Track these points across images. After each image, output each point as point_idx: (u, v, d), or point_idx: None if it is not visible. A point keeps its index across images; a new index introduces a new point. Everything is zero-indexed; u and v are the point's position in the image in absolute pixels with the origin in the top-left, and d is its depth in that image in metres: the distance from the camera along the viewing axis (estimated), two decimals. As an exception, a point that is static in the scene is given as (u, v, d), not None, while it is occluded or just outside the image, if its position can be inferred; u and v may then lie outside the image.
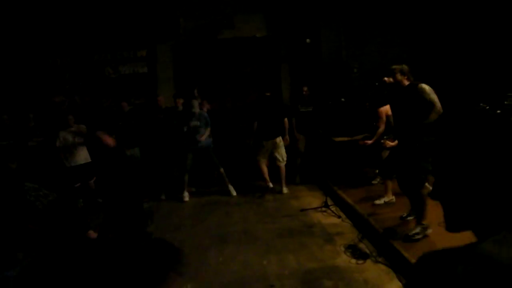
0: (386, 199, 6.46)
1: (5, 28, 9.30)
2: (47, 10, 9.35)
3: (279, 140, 8.09)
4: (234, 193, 8.23)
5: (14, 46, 9.45)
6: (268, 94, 8.17)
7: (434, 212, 4.50)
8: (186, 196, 8.18)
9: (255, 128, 8.05)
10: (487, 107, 6.03)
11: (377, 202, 6.45)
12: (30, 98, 9.37)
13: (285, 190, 8.15)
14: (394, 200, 6.44)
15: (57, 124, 8.11)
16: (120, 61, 10.04)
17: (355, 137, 8.21)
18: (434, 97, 4.75)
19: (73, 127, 7.89)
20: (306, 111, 8.71)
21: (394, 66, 5.06)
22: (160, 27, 9.72)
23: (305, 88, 8.79)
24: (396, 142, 6.00)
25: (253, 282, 4.63)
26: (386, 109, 6.44)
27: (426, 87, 4.80)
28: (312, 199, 7.59)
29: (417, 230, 4.85)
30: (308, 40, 9.33)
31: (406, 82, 4.99)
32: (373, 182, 7.70)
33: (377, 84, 5.74)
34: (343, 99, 7.79)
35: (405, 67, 5.01)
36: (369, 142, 6.83)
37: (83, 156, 7.93)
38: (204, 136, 7.96)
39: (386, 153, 6.40)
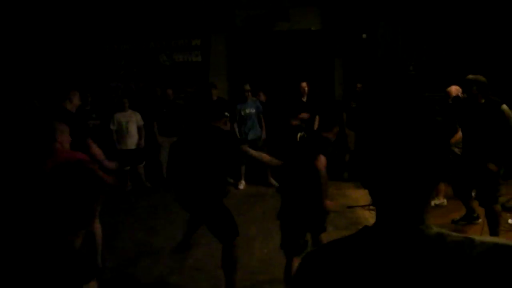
0: (436, 201, 6.30)
1: (68, 15, 9.60)
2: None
3: None
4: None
5: (75, 31, 9.75)
6: None
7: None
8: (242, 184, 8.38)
9: None
10: None
11: None
12: (88, 81, 9.65)
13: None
14: (445, 203, 6.27)
15: (113, 107, 8.35)
16: (175, 49, 10.18)
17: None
18: None
19: (127, 111, 8.09)
20: (358, 107, 8.58)
21: (469, 77, 4.68)
22: (215, 16, 9.78)
23: (359, 85, 8.66)
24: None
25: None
26: None
27: (507, 110, 4.51)
28: (359, 196, 7.45)
29: None
30: (364, 36, 9.18)
31: (482, 99, 4.62)
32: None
33: (450, 102, 5.55)
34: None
35: (481, 79, 4.62)
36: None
37: (134, 140, 8.14)
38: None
39: None
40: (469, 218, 5.56)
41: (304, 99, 8.53)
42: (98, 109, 8.65)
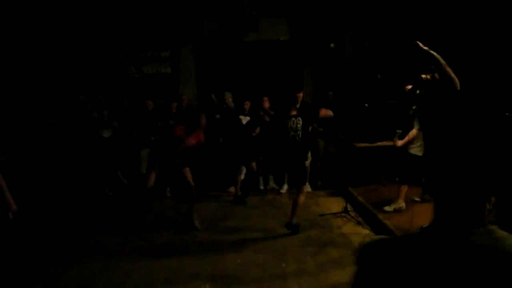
0: (396, 205, 6.37)
1: (33, 27, 9.45)
2: (75, 9, 9.48)
3: None
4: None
5: (41, 44, 9.60)
6: None
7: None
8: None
9: None
10: None
11: (387, 208, 6.41)
12: (55, 95, 9.49)
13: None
14: (404, 207, 6.36)
15: (80, 121, 8.23)
16: (144, 61, 10.12)
17: (376, 144, 8.14)
18: None
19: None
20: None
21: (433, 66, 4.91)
22: (184, 28, 9.77)
23: (330, 93, 8.73)
24: (402, 142, 6.14)
25: (272, 284, 4.60)
26: None
27: None
28: (331, 204, 7.51)
29: None
30: (332, 45, 9.28)
31: None
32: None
33: (413, 81, 5.68)
34: (366, 105, 7.70)
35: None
36: (399, 143, 6.25)
37: None
38: None
39: None
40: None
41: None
42: (64, 122, 8.49)
